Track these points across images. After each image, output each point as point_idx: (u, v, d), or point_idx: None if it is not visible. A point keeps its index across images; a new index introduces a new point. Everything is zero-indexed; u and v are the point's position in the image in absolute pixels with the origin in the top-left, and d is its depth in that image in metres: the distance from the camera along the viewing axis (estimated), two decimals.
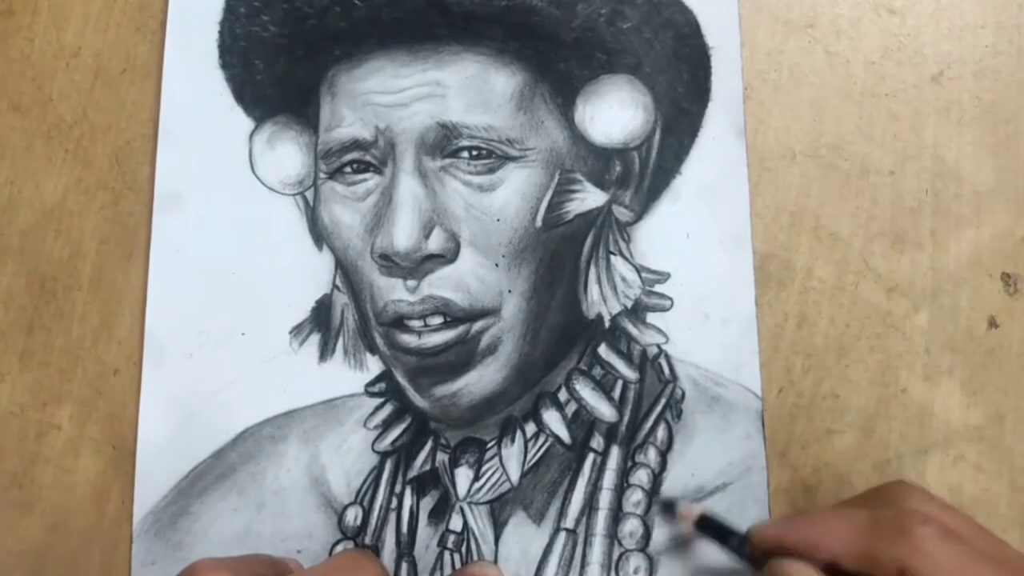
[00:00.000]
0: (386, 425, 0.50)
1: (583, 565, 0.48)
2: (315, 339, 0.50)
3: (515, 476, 0.49)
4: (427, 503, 0.49)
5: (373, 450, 0.50)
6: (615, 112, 0.51)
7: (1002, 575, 0.38)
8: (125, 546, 0.49)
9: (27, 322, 0.51)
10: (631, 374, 0.50)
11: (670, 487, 0.49)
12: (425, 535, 0.49)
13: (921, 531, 0.39)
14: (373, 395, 0.50)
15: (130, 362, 0.50)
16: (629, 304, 0.50)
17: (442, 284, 0.49)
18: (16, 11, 0.54)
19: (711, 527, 0.47)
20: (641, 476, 0.49)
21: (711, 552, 0.48)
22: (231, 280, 0.51)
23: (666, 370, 0.50)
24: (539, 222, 0.50)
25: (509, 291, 0.49)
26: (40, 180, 0.52)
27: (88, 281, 0.51)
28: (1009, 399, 0.50)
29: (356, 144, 0.50)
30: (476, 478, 0.49)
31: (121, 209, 0.52)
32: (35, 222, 0.52)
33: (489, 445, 0.50)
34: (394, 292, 0.49)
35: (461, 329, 0.49)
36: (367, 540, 0.49)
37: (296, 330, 0.50)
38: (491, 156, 0.50)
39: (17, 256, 0.51)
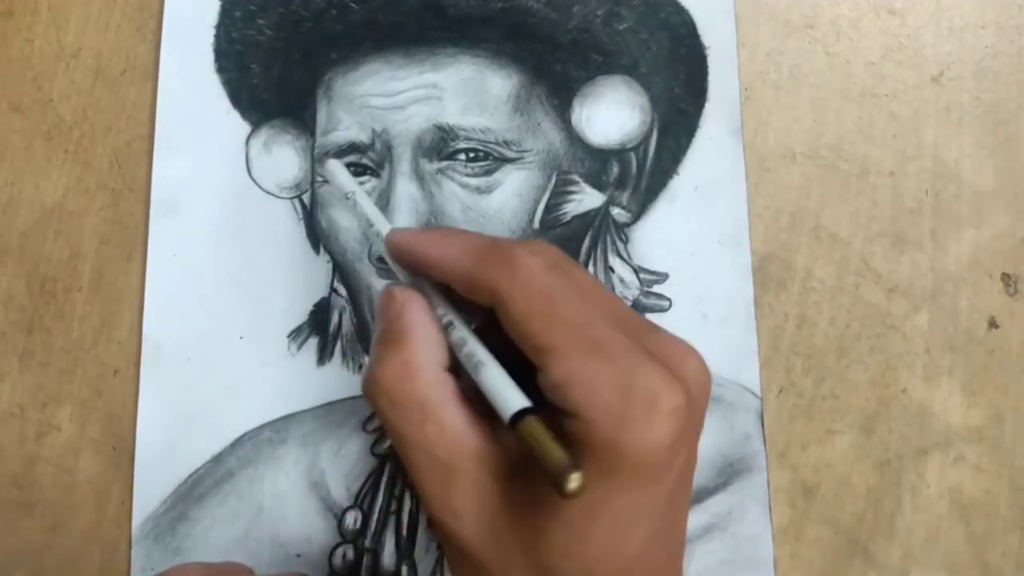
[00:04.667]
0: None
1: None
2: (313, 342, 0.50)
3: None
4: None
5: (372, 453, 0.50)
6: (612, 113, 0.51)
7: (594, 313, 0.35)
8: (125, 547, 0.49)
9: (27, 323, 0.51)
10: None
11: None
12: (425, 538, 0.49)
13: (526, 260, 0.36)
14: None
15: (130, 363, 0.50)
16: (628, 305, 0.50)
17: None
18: (16, 12, 0.54)
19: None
20: None
21: (712, 553, 0.48)
22: (229, 284, 0.51)
23: None
24: (536, 224, 0.50)
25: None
26: (40, 181, 0.52)
27: (88, 282, 0.51)
28: (1009, 399, 0.50)
29: (353, 147, 0.50)
30: None
31: (121, 210, 0.52)
32: (35, 223, 0.52)
33: None
34: None
35: None
36: (367, 543, 0.49)
37: (294, 334, 0.50)
38: (488, 158, 0.50)
39: (17, 257, 0.51)
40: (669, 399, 0.33)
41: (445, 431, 0.35)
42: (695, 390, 0.34)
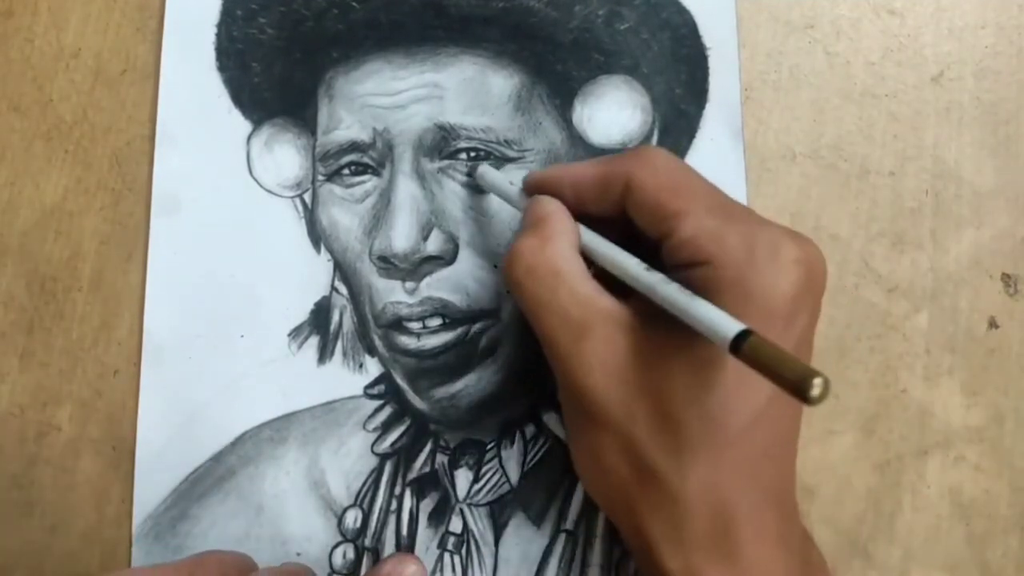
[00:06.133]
0: (385, 427, 0.50)
1: (583, 567, 0.48)
2: (314, 341, 0.50)
3: (515, 478, 0.49)
4: (427, 505, 0.49)
5: (372, 452, 0.50)
6: (613, 113, 0.51)
7: (716, 189, 0.41)
8: (125, 547, 0.49)
9: (27, 323, 0.51)
10: None
11: None
12: (425, 537, 0.49)
13: (652, 151, 0.42)
14: (372, 397, 0.50)
15: (130, 363, 0.50)
16: None
17: (441, 286, 0.49)
18: (16, 12, 0.54)
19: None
20: None
21: None
22: (229, 283, 0.51)
23: None
24: None
25: (508, 292, 0.49)
26: (40, 181, 0.52)
27: (88, 282, 0.51)
28: (1009, 400, 0.50)
29: (354, 146, 0.50)
30: (476, 480, 0.49)
31: (121, 210, 0.52)
32: (35, 223, 0.52)
33: (489, 447, 0.50)
34: (393, 294, 0.49)
35: (460, 331, 0.49)
36: (367, 542, 0.49)
37: (295, 332, 0.50)
38: (489, 157, 0.50)
39: (17, 257, 0.51)
40: (790, 250, 0.37)
41: (577, 293, 0.40)
42: (817, 260, 0.39)
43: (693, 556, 0.38)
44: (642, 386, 0.38)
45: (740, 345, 0.33)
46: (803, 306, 0.38)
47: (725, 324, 0.34)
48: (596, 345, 0.39)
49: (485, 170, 0.49)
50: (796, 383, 0.31)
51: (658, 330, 0.38)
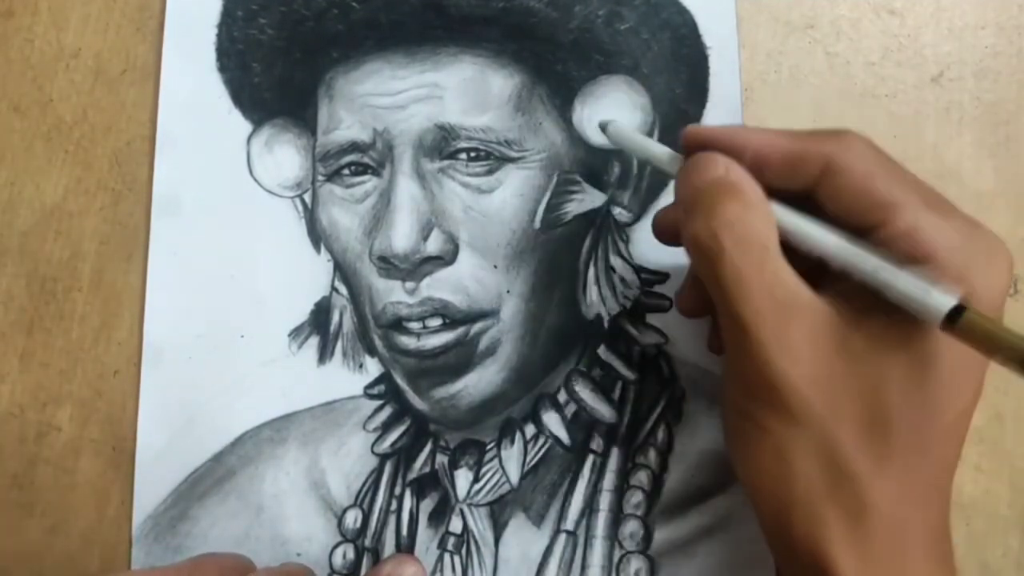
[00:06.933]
0: (385, 427, 0.50)
1: (583, 567, 0.48)
2: (314, 341, 0.50)
3: (515, 478, 0.49)
4: (427, 505, 0.49)
5: (373, 452, 0.50)
6: (613, 113, 0.51)
7: (934, 195, 0.38)
8: (125, 547, 0.49)
9: (27, 323, 0.51)
10: (631, 375, 0.50)
11: (671, 488, 0.49)
12: (425, 537, 0.49)
13: (853, 136, 0.39)
14: (372, 397, 0.50)
15: (130, 363, 0.50)
16: (628, 305, 0.50)
17: (441, 286, 0.49)
18: (16, 12, 0.54)
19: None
20: (641, 477, 0.49)
21: (713, 554, 0.48)
22: (230, 283, 0.51)
23: (666, 371, 0.50)
24: (538, 223, 0.50)
25: (508, 292, 0.49)
26: (40, 181, 0.52)
27: (88, 282, 0.51)
28: (1009, 400, 0.50)
29: (354, 146, 0.50)
30: (476, 480, 0.49)
31: (121, 210, 0.52)
32: (35, 223, 0.52)
33: (489, 447, 0.50)
34: (393, 294, 0.49)
35: (460, 331, 0.49)
36: (367, 543, 0.49)
37: (295, 332, 0.50)
38: (489, 158, 0.50)
39: (17, 257, 0.51)
40: (1006, 253, 0.37)
41: (784, 272, 0.37)
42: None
43: (871, 570, 0.36)
44: (851, 384, 0.36)
45: (956, 320, 0.33)
46: (1003, 304, 0.37)
47: (939, 297, 0.33)
48: (804, 331, 0.36)
49: (617, 128, 0.47)
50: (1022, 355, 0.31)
51: (866, 327, 0.36)
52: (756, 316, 0.36)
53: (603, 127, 0.49)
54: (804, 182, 0.39)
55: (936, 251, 0.36)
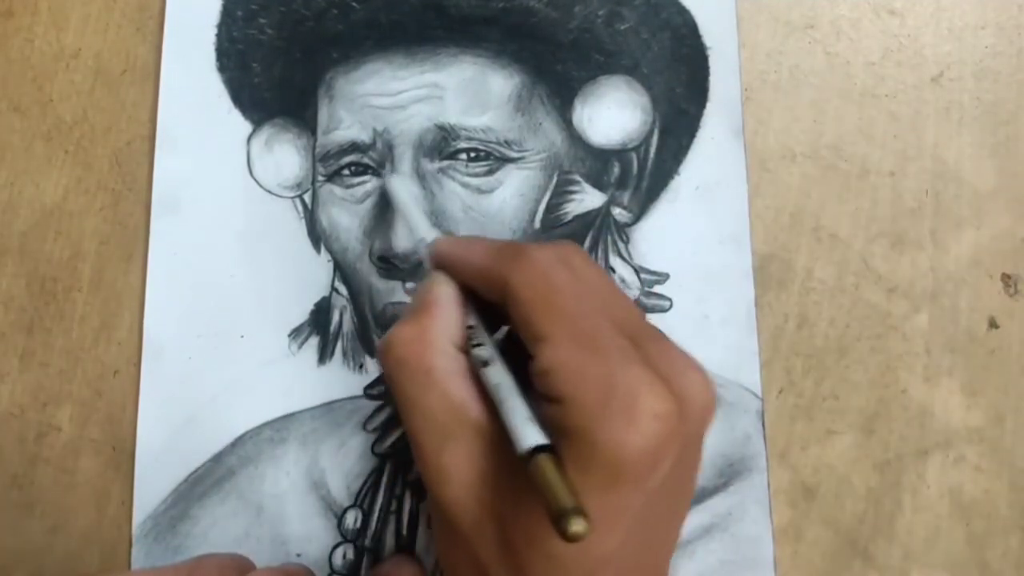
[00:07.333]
0: (385, 427, 0.50)
1: None
2: (314, 342, 0.50)
3: None
4: (427, 505, 0.49)
5: (373, 452, 0.50)
6: (613, 113, 0.51)
7: (594, 310, 0.36)
8: (125, 547, 0.49)
9: (27, 323, 0.51)
10: None
11: None
12: (425, 537, 0.49)
13: (535, 253, 0.37)
14: (372, 397, 0.50)
15: (130, 363, 0.50)
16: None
17: None
18: (16, 12, 0.54)
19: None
20: None
21: (713, 553, 0.48)
22: (230, 283, 0.51)
23: None
24: (538, 223, 0.50)
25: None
26: (40, 181, 0.52)
27: (88, 282, 0.51)
28: (1009, 400, 0.50)
29: (354, 146, 0.50)
30: None
31: (121, 210, 0.52)
32: (35, 223, 0.52)
33: None
34: (393, 294, 0.49)
35: None
36: (367, 543, 0.49)
37: (295, 333, 0.50)
38: (489, 158, 0.50)
39: (17, 257, 0.51)
40: (651, 403, 0.33)
41: (447, 398, 0.37)
42: (692, 404, 0.35)
43: None
44: (493, 511, 0.35)
45: (530, 457, 0.32)
46: (664, 458, 0.33)
47: (525, 435, 0.33)
48: (457, 457, 0.36)
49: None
50: (559, 513, 0.30)
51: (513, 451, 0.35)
52: (418, 436, 0.37)
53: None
54: (500, 298, 0.38)
55: (565, 397, 0.33)
